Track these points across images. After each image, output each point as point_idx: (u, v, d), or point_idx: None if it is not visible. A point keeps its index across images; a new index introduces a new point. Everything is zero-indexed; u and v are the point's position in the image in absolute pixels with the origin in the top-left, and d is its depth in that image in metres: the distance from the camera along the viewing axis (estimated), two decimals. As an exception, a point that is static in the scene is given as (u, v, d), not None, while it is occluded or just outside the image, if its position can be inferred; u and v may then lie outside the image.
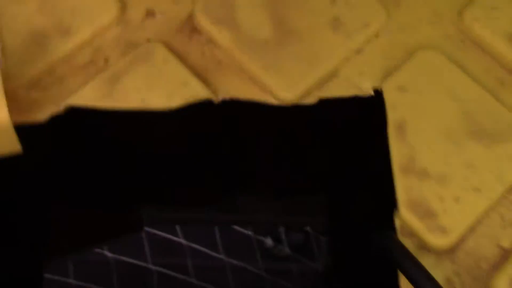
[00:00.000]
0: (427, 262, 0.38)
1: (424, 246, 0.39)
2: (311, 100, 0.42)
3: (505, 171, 0.40)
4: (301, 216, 0.61)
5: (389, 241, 0.37)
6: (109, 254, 0.77)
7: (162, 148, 0.42)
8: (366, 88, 0.42)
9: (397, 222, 0.39)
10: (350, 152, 0.42)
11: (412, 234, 0.39)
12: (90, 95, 0.41)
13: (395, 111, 0.41)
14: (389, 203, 0.39)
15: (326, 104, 0.41)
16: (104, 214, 0.46)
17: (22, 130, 0.39)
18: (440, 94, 0.42)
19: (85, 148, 0.41)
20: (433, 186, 0.39)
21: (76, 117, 0.40)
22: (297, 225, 0.80)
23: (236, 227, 0.78)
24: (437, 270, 0.38)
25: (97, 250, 0.76)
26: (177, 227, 0.78)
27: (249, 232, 0.80)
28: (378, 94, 0.41)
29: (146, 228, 0.75)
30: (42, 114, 0.40)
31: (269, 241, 0.82)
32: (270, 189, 0.46)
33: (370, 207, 0.41)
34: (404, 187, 0.39)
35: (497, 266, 0.39)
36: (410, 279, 0.36)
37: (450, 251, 0.39)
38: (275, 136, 0.42)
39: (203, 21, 0.43)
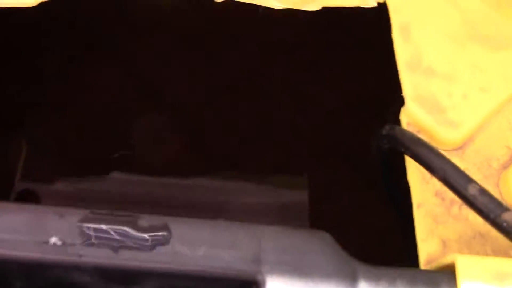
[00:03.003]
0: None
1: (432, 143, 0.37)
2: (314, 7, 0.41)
3: (511, 76, 0.39)
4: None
5: (398, 130, 0.36)
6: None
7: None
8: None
9: (404, 120, 0.38)
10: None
11: (421, 130, 0.37)
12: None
13: (399, 14, 0.40)
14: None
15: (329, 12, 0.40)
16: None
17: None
18: (441, 1, 0.41)
19: None
20: (440, 83, 0.38)
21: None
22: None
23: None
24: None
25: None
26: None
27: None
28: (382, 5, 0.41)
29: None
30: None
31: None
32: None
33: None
34: (411, 83, 0.38)
35: (506, 165, 0.37)
36: (424, 162, 0.34)
37: (459, 148, 0.37)
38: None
39: None
